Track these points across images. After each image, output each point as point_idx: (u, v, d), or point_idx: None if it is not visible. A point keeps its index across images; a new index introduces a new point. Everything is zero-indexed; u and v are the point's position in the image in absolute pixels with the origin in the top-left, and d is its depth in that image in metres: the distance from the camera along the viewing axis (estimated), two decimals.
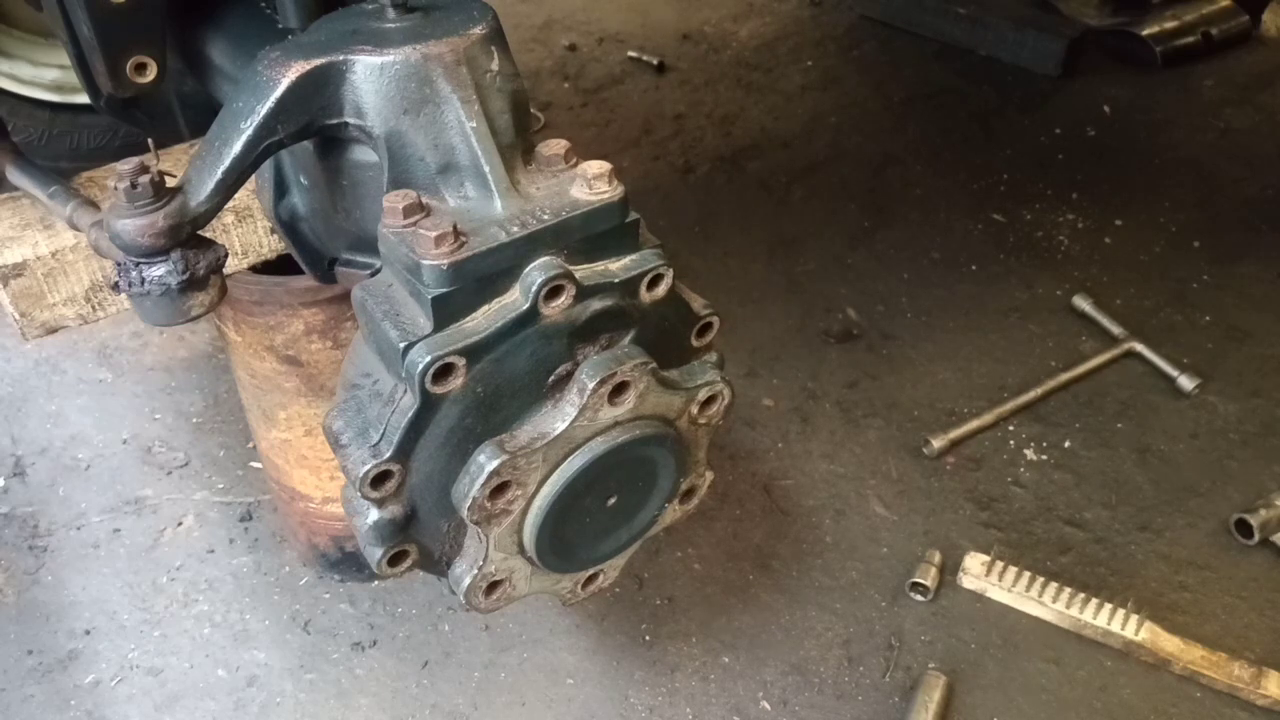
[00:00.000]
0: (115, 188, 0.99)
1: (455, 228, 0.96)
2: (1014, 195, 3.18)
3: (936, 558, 2.03)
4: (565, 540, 1.13)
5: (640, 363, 1.04)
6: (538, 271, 0.98)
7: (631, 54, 3.98)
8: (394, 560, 1.09)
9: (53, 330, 1.36)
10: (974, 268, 2.89)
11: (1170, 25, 3.90)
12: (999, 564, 1.99)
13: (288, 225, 1.30)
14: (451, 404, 0.99)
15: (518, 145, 1.09)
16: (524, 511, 1.07)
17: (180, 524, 2.16)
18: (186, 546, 2.12)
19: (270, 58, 1.04)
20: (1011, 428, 2.37)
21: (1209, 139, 3.47)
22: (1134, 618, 1.89)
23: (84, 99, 1.44)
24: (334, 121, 1.07)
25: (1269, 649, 1.90)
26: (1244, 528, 2.08)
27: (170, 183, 1.03)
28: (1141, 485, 2.24)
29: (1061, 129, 3.51)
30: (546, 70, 3.92)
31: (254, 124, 1.03)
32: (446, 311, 0.97)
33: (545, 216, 1.00)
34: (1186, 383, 2.43)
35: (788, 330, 2.67)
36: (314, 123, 1.06)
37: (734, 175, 3.31)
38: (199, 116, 1.48)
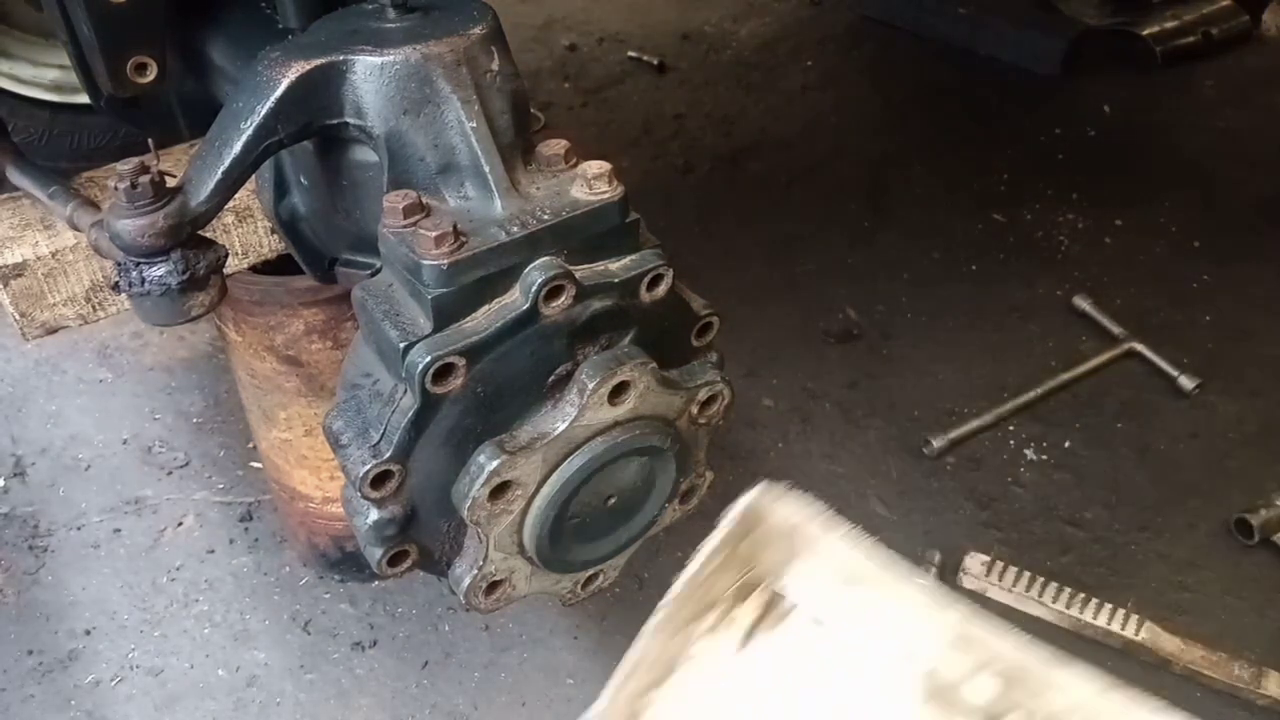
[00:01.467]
0: (115, 188, 0.99)
1: (455, 228, 0.96)
2: (1014, 195, 3.18)
3: (936, 558, 2.03)
4: (565, 540, 1.13)
5: (640, 363, 1.04)
6: (538, 271, 0.98)
7: (631, 54, 3.98)
8: (394, 560, 1.09)
9: (53, 330, 1.36)
10: (974, 268, 2.89)
11: (1170, 25, 3.90)
12: (999, 564, 1.98)
13: (288, 225, 1.30)
14: (451, 404, 0.99)
15: (518, 145, 1.09)
16: (524, 511, 1.07)
17: (180, 524, 2.16)
18: (186, 546, 2.12)
19: (270, 58, 1.04)
20: (1011, 428, 2.37)
21: (1209, 139, 3.47)
22: (1134, 618, 1.88)
23: (84, 99, 1.44)
24: (334, 121, 1.07)
25: (1269, 649, 1.90)
26: (1244, 528, 2.08)
27: (170, 183, 1.03)
28: (1141, 485, 2.24)
29: (1061, 129, 3.51)
30: (546, 70, 3.92)
31: (254, 124, 1.03)
32: (446, 311, 0.97)
33: (545, 216, 1.00)
34: (1186, 383, 2.43)
35: (788, 330, 2.67)
36: (314, 123, 1.06)
37: (734, 175, 3.31)
38: (199, 116, 1.48)
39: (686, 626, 1.30)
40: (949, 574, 2.02)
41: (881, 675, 1.29)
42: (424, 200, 1.01)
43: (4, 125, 1.46)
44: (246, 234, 1.46)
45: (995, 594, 1.97)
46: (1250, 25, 4.02)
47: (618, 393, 1.04)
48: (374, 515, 1.05)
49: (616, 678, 1.23)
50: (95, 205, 1.23)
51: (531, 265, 0.99)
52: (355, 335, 1.07)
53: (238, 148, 1.03)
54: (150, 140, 1.12)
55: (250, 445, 2.28)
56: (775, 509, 1.31)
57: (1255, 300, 2.74)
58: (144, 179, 0.99)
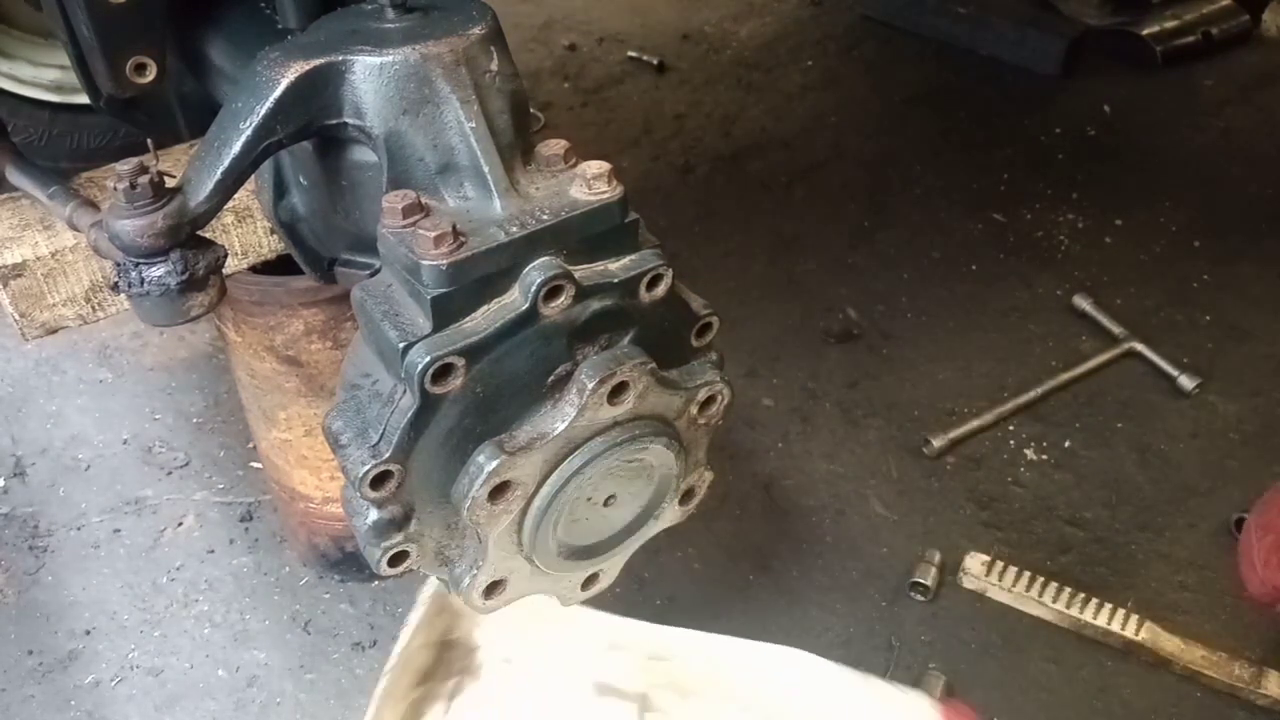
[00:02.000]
0: (114, 188, 0.99)
1: (454, 228, 0.96)
2: (1014, 195, 3.18)
3: (936, 558, 2.03)
4: (565, 540, 1.13)
5: (639, 363, 1.04)
6: (537, 272, 0.98)
7: (631, 54, 3.98)
8: (394, 560, 1.08)
9: (53, 331, 1.36)
10: (974, 267, 2.89)
11: (1170, 25, 3.90)
12: (999, 564, 1.98)
13: (287, 226, 1.30)
14: (451, 404, 0.99)
15: (517, 145, 1.08)
16: (523, 512, 1.07)
17: (180, 524, 2.16)
18: (187, 547, 2.12)
19: (270, 58, 1.04)
20: (1011, 427, 2.37)
21: (1209, 139, 3.47)
22: (1134, 618, 1.88)
23: (84, 99, 1.44)
24: (333, 122, 1.07)
25: (1269, 649, 1.90)
26: (1244, 528, 2.08)
27: (169, 183, 1.03)
28: (1141, 485, 2.24)
29: (1061, 129, 3.51)
30: (546, 70, 3.92)
31: (253, 124, 1.03)
32: (446, 312, 0.96)
33: (544, 217, 1.00)
34: (1186, 382, 2.43)
35: (788, 330, 2.67)
36: (313, 123, 1.06)
37: (734, 175, 3.31)
38: (199, 117, 1.48)
39: (408, 694, 1.53)
40: (949, 574, 2.02)
41: (562, 693, 1.59)
42: (423, 200, 1.00)
43: (4, 125, 1.46)
44: (246, 234, 1.46)
45: (995, 594, 1.98)
46: (1250, 25, 4.02)
47: (617, 393, 1.04)
48: (373, 515, 1.05)
49: None
50: (95, 205, 1.23)
51: (531, 265, 0.99)
52: (354, 335, 1.07)
53: (237, 148, 1.03)
54: (149, 140, 1.12)
55: (250, 445, 2.28)
56: None
57: (1255, 300, 2.74)
58: (143, 179, 0.99)
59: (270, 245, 1.49)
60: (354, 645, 1.92)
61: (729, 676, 1.61)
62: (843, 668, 1.60)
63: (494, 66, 1.08)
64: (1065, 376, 2.47)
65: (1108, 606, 1.90)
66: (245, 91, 1.04)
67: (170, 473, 2.28)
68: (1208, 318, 2.68)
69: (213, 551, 2.10)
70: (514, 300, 0.99)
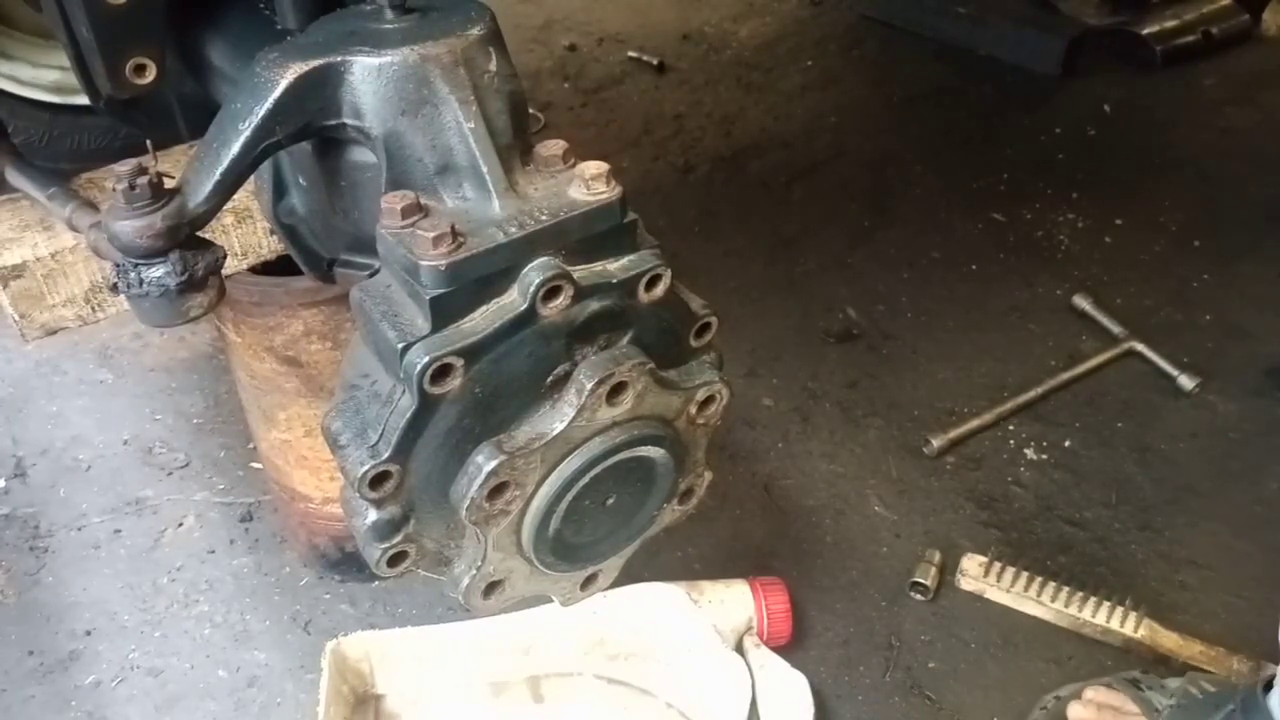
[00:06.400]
0: (113, 189, 0.99)
1: (453, 228, 0.96)
2: (1014, 195, 3.18)
3: (936, 557, 2.03)
4: (564, 540, 1.13)
5: (638, 363, 1.04)
6: (535, 272, 0.98)
7: (631, 54, 3.98)
8: (393, 561, 1.09)
9: (52, 332, 1.36)
10: (974, 267, 2.89)
11: (1170, 24, 3.90)
12: (996, 564, 1.98)
13: (287, 226, 1.30)
14: (450, 404, 0.99)
15: (516, 146, 1.08)
16: (522, 512, 1.07)
17: (181, 525, 2.17)
18: (187, 547, 2.12)
19: (268, 59, 1.04)
20: (1011, 427, 2.37)
21: (1210, 138, 3.46)
22: (1133, 615, 1.88)
23: (84, 100, 1.45)
24: (332, 122, 1.07)
25: (1269, 649, 1.89)
26: None
27: (168, 184, 1.03)
28: (1142, 485, 2.24)
29: (1062, 128, 3.51)
30: (546, 70, 3.92)
31: (252, 125, 1.03)
32: (445, 312, 0.97)
33: (543, 217, 1.00)
34: (1187, 382, 2.43)
35: (788, 330, 2.67)
36: (312, 124, 1.06)
37: (734, 175, 3.31)
38: (198, 117, 1.47)
39: None
40: (949, 573, 2.02)
41: (469, 704, 1.77)
42: (422, 201, 1.00)
43: (4, 126, 1.46)
44: (245, 235, 1.46)
45: (993, 594, 1.97)
46: (1250, 24, 4.02)
47: (616, 393, 1.04)
48: (372, 516, 1.05)
49: None
50: (94, 206, 1.23)
51: (529, 266, 0.99)
52: (353, 336, 1.07)
53: (236, 149, 1.03)
54: (148, 141, 1.12)
55: (250, 446, 2.28)
56: (349, 644, 1.73)
57: (1255, 300, 2.74)
58: (142, 180, 0.99)
59: (270, 246, 1.49)
60: None
61: (589, 630, 1.79)
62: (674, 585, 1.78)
63: (492, 67, 1.08)
64: (1065, 376, 2.47)
65: (1106, 605, 1.90)
66: (244, 92, 1.04)
67: (170, 473, 2.28)
68: (1208, 317, 2.68)
69: (213, 552, 2.10)
70: (513, 300, 0.99)
